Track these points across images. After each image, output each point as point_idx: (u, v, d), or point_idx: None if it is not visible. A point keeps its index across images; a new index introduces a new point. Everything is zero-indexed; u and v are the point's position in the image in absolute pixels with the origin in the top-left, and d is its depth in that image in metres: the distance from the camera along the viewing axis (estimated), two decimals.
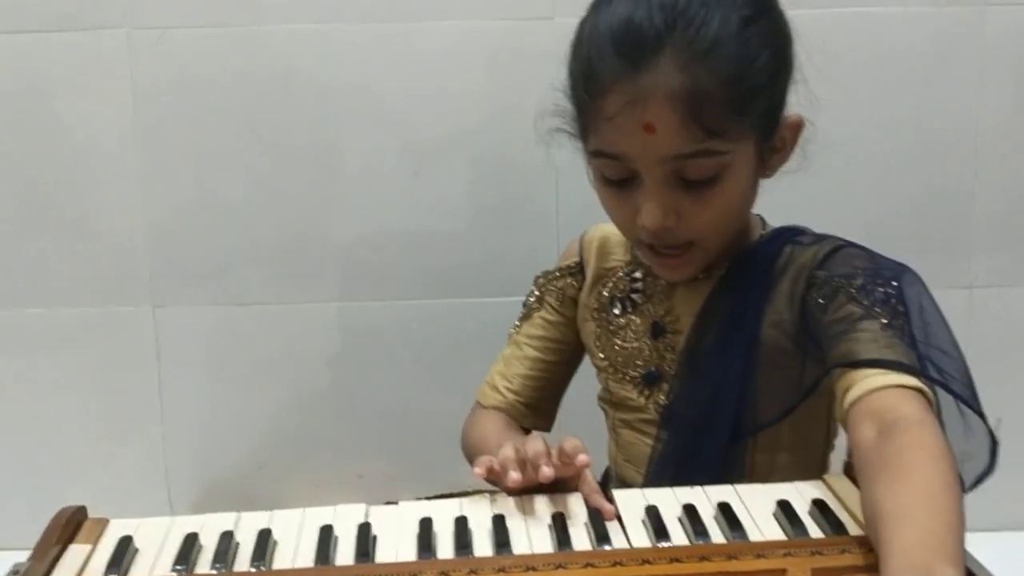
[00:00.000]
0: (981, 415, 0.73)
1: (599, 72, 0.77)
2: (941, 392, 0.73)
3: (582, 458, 0.72)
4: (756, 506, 0.71)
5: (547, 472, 0.71)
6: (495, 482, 0.77)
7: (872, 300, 0.76)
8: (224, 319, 1.41)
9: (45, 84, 1.34)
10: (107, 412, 1.43)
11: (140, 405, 1.43)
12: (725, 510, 0.70)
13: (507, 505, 0.73)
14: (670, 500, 0.72)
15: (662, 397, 0.90)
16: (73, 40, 1.32)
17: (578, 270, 0.97)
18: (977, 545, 0.60)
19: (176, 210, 1.37)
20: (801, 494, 0.73)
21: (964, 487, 0.73)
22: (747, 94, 0.76)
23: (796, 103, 0.83)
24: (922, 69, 1.34)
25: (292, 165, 1.37)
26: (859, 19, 1.31)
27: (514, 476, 0.73)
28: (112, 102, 1.34)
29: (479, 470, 0.76)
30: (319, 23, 1.33)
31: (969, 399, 0.73)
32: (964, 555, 0.57)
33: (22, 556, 0.67)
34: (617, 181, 0.81)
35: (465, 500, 0.74)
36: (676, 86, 0.74)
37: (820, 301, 0.79)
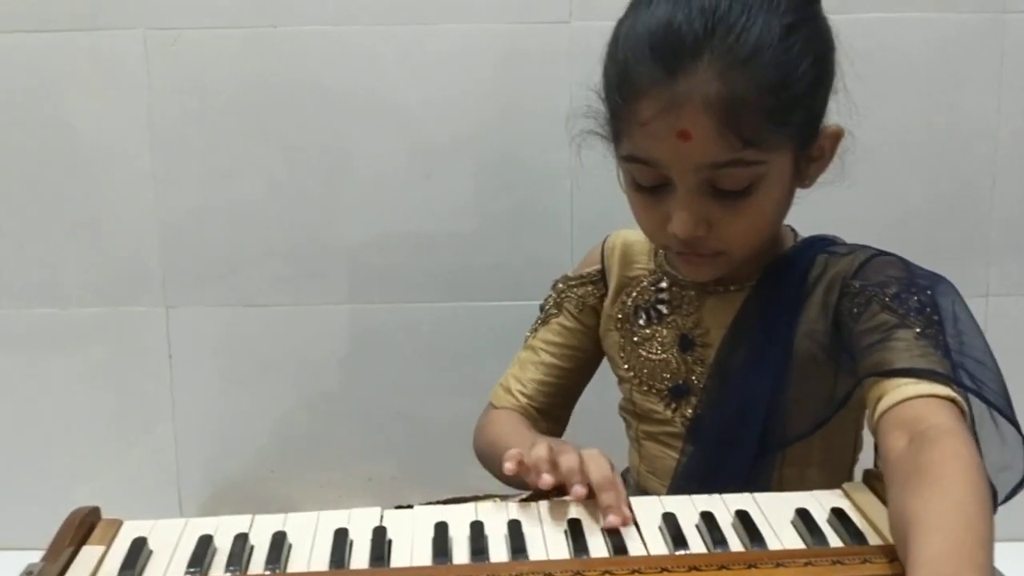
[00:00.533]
0: (1017, 426, 0.72)
1: (635, 76, 0.75)
2: (976, 403, 0.72)
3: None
4: (774, 514, 0.70)
5: (580, 491, 0.70)
6: (517, 479, 0.76)
7: (906, 309, 0.75)
8: (236, 320, 1.40)
9: (60, 84, 1.34)
10: (119, 412, 1.43)
11: (151, 405, 1.43)
12: (743, 518, 0.69)
13: (523, 511, 0.72)
14: (688, 508, 0.72)
15: (690, 411, 0.88)
16: (89, 41, 1.33)
17: (599, 278, 0.96)
18: (1003, 555, 0.60)
19: (189, 211, 1.37)
20: (820, 502, 0.72)
21: (999, 498, 0.73)
22: (787, 103, 0.74)
23: (835, 111, 0.82)
24: (940, 75, 1.33)
25: (304, 167, 1.37)
26: (877, 25, 1.30)
27: (547, 479, 0.72)
28: (127, 103, 1.34)
29: (509, 464, 0.74)
30: (332, 25, 1.33)
31: (1004, 409, 0.72)
32: (993, 568, 0.57)
33: (32, 556, 0.67)
34: (649, 187, 0.79)
35: (480, 505, 0.73)
36: (713, 93, 0.72)
37: (854, 311, 0.78)
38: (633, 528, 0.69)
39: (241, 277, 1.39)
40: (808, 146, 0.79)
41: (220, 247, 1.38)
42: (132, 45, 1.33)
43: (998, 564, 0.60)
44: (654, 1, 0.75)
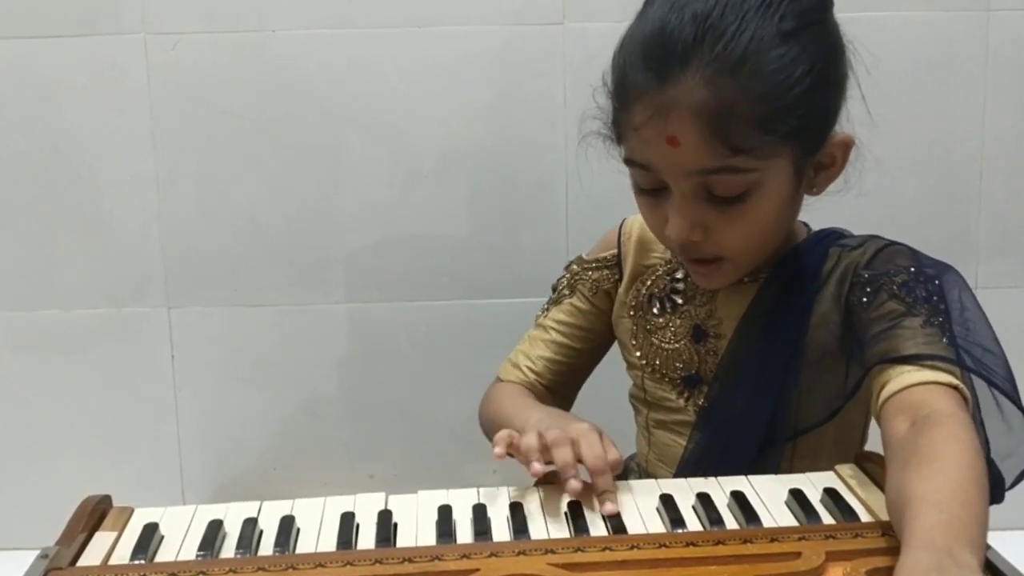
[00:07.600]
0: (1023, 411, 0.74)
1: (629, 81, 0.76)
2: (983, 393, 0.73)
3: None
4: (769, 495, 0.72)
5: (574, 487, 0.71)
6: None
7: (914, 298, 0.76)
8: (237, 320, 1.42)
9: (62, 88, 1.36)
10: (122, 413, 1.45)
11: (154, 405, 1.44)
12: (739, 498, 0.71)
13: (524, 494, 0.74)
14: (685, 490, 0.74)
15: (702, 400, 0.89)
16: (90, 45, 1.34)
17: (615, 263, 0.96)
18: (1011, 543, 0.61)
19: (190, 213, 1.39)
20: (813, 483, 0.74)
21: (1006, 485, 0.74)
22: (777, 112, 0.73)
23: (846, 119, 0.81)
24: (927, 74, 1.36)
25: (304, 168, 1.38)
26: (864, 24, 1.31)
27: (537, 468, 0.73)
28: (128, 107, 1.36)
29: (498, 449, 0.76)
30: (331, 28, 1.35)
31: (1011, 393, 0.73)
32: (985, 547, 0.58)
33: (34, 556, 0.66)
34: (650, 190, 0.80)
35: (483, 489, 0.75)
36: (701, 101, 0.71)
37: (863, 300, 0.79)
38: (633, 509, 0.71)
39: (242, 278, 1.41)
40: (813, 153, 0.79)
41: (221, 249, 1.40)
42: (133, 50, 1.34)
43: (1005, 553, 0.60)
44: (653, 6, 0.76)
